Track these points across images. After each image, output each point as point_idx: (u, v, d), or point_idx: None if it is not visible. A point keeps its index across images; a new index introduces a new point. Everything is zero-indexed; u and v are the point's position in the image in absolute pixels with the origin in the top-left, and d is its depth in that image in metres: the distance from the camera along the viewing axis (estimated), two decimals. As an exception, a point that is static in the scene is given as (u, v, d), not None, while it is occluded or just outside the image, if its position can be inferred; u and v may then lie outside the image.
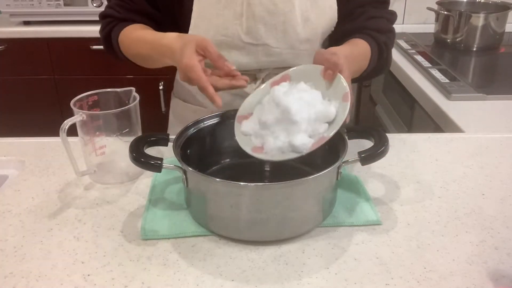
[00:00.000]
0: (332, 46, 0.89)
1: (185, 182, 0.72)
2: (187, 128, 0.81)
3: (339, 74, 0.74)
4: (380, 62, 1.01)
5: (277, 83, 0.79)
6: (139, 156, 0.72)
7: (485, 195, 0.82)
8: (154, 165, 0.72)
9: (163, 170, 0.72)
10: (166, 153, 0.93)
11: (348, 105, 0.70)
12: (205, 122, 0.83)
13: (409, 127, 1.57)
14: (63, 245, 0.70)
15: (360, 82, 1.00)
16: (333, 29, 1.02)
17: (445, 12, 1.80)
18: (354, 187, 0.82)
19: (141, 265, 0.66)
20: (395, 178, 0.87)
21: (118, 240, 0.71)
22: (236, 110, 0.85)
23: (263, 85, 0.81)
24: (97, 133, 0.82)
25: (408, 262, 0.66)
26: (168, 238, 0.71)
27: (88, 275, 0.64)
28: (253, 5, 0.93)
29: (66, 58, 2.13)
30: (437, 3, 1.89)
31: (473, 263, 0.66)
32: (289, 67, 0.83)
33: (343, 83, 0.73)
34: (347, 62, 0.77)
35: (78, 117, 0.79)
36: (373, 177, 0.87)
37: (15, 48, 2.09)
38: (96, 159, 0.84)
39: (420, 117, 1.43)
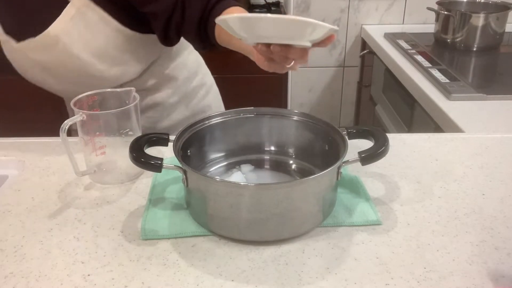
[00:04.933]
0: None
1: (185, 182, 0.72)
2: (187, 128, 0.81)
3: None
4: None
5: None
6: (139, 156, 0.72)
7: (485, 195, 0.82)
8: (154, 165, 0.72)
9: (163, 170, 0.72)
10: (166, 153, 0.93)
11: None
12: (205, 122, 0.83)
13: (409, 127, 1.57)
14: (63, 245, 0.70)
15: None
16: (136, 37, 0.99)
17: (445, 12, 1.80)
18: (354, 187, 0.82)
19: (141, 265, 0.66)
20: (395, 178, 0.87)
21: (118, 240, 0.71)
22: (236, 110, 0.86)
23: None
24: (97, 133, 0.82)
25: (408, 262, 0.66)
26: (168, 238, 0.71)
27: (88, 275, 0.64)
28: (49, 76, 1.00)
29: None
30: (437, 3, 1.89)
31: (473, 263, 0.66)
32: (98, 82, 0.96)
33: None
34: None
35: (78, 117, 0.79)
36: (373, 177, 0.87)
37: (15, 48, 2.09)
38: (96, 159, 0.84)
39: (420, 117, 1.43)
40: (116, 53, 0.97)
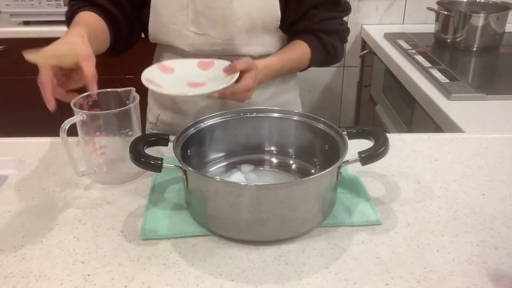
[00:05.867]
0: (287, 40, 1.10)
1: (185, 182, 0.72)
2: (187, 128, 0.81)
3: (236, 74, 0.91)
4: (328, 59, 1.14)
5: (204, 63, 1.01)
6: (139, 156, 0.72)
7: (485, 195, 0.82)
8: (154, 165, 0.72)
9: (163, 170, 0.72)
10: (166, 153, 0.93)
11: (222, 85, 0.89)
12: (205, 122, 0.83)
13: (409, 127, 1.57)
14: (63, 245, 0.70)
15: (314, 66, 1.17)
16: (277, 23, 1.06)
17: (445, 12, 1.80)
18: (354, 187, 0.82)
19: (141, 265, 0.66)
20: (395, 178, 0.87)
21: (118, 240, 0.71)
22: (236, 110, 0.86)
23: (190, 60, 1.02)
24: (97, 133, 0.82)
25: (408, 262, 0.66)
26: (168, 238, 0.71)
27: (88, 275, 0.64)
28: (195, 0, 1.01)
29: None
30: (437, 3, 1.89)
31: (473, 263, 0.66)
32: (231, 56, 1.03)
33: (232, 78, 0.90)
34: (263, 71, 0.98)
35: (78, 117, 0.79)
36: (373, 177, 0.87)
37: (15, 48, 2.09)
38: (96, 159, 0.84)
39: (420, 117, 1.43)
40: (255, 20, 1.03)
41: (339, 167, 0.72)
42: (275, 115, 0.86)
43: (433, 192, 0.83)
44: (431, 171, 0.89)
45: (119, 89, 0.86)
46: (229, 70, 0.94)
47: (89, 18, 0.96)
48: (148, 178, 0.87)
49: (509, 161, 0.93)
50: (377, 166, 0.89)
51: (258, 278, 0.64)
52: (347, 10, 1.13)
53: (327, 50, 1.10)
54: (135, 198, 0.81)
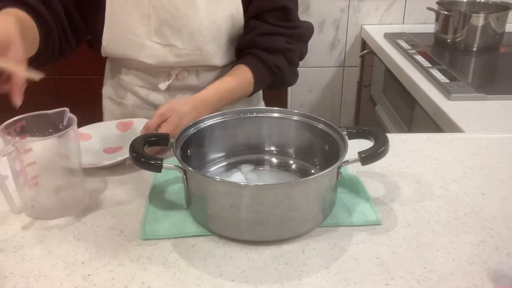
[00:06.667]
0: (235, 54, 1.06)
1: (185, 182, 0.72)
2: (187, 128, 0.81)
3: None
4: (276, 81, 1.06)
5: (122, 123, 1.02)
6: (139, 156, 0.72)
7: (485, 195, 0.82)
8: (154, 165, 0.72)
9: (163, 170, 0.72)
10: (166, 153, 0.93)
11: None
12: (205, 122, 0.83)
13: (409, 127, 1.57)
14: (63, 245, 0.70)
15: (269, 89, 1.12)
16: (241, 31, 1.03)
17: (445, 12, 1.80)
18: (354, 187, 0.82)
19: (141, 265, 0.66)
20: (395, 178, 0.87)
21: (118, 240, 0.71)
22: (236, 110, 0.86)
23: (109, 122, 1.04)
24: (30, 162, 0.72)
25: (408, 262, 0.66)
26: (168, 238, 0.71)
27: (88, 275, 0.64)
28: (157, 8, 0.96)
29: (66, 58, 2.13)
30: (437, 3, 1.89)
31: (473, 263, 0.66)
32: (198, 66, 1.02)
33: None
34: (196, 109, 0.92)
35: (10, 148, 0.69)
36: (373, 177, 0.87)
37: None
38: (30, 192, 0.74)
39: (420, 117, 1.44)
40: (221, 28, 1.00)
41: (339, 167, 0.72)
42: (275, 115, 0.86)
43: (433, 192, 0.83)
44: (431, 171, 0.89)
45: (49, 111, 0.76)
46: (144, 133, 0.89)
47: (18, 12, 0.82)
48: (148, 178, 0.87)
49: (509, 161, 0.93)
50: (377, 166, 0.89)
51: (258, 278, 0.64)
52: (298, 28, 1.03)
53: (272, 71, 1.03)
54: (135, 198, 0.81)
